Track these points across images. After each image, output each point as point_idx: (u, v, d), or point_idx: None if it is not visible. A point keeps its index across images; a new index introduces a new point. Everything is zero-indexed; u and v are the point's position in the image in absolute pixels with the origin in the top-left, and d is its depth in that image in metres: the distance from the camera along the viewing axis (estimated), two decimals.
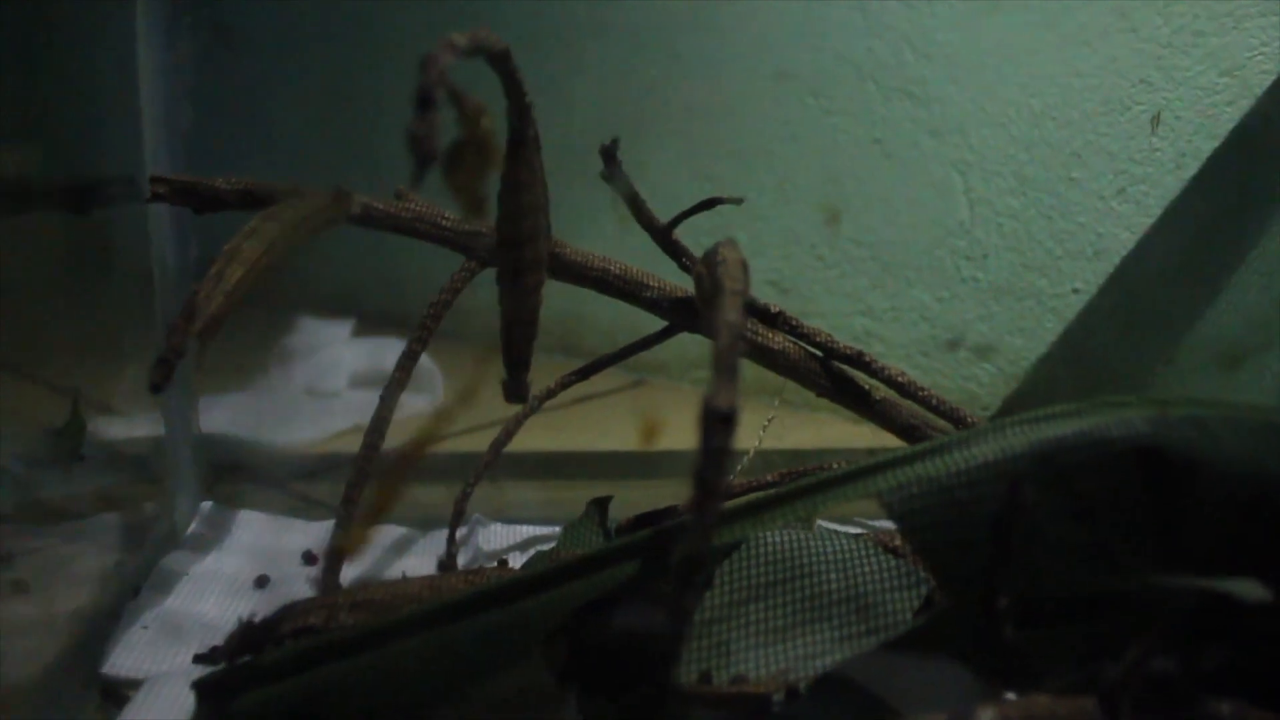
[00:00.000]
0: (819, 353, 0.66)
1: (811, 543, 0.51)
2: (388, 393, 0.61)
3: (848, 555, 0.50)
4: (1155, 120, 0.76)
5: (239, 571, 0.60)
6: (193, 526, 0.64)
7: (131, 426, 0.65)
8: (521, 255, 0.50)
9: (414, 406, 1.06)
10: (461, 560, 0.63)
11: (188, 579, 0.58)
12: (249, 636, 0.44)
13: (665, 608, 0.36)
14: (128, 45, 0.56)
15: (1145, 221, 0.81)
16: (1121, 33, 0.80)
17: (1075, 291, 0.85)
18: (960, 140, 0.89)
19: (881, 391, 0.67)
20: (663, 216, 0.63)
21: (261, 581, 0.58)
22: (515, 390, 0.53)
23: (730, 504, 0.41)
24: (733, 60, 1.04)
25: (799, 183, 1.01)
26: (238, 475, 0.76)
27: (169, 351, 0.41)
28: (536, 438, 0.93)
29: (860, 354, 0.65)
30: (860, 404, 0.67)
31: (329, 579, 0.58)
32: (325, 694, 0.41)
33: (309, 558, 0.62)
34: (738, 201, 0.57)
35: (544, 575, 0.39)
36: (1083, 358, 0.87)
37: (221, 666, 0.45)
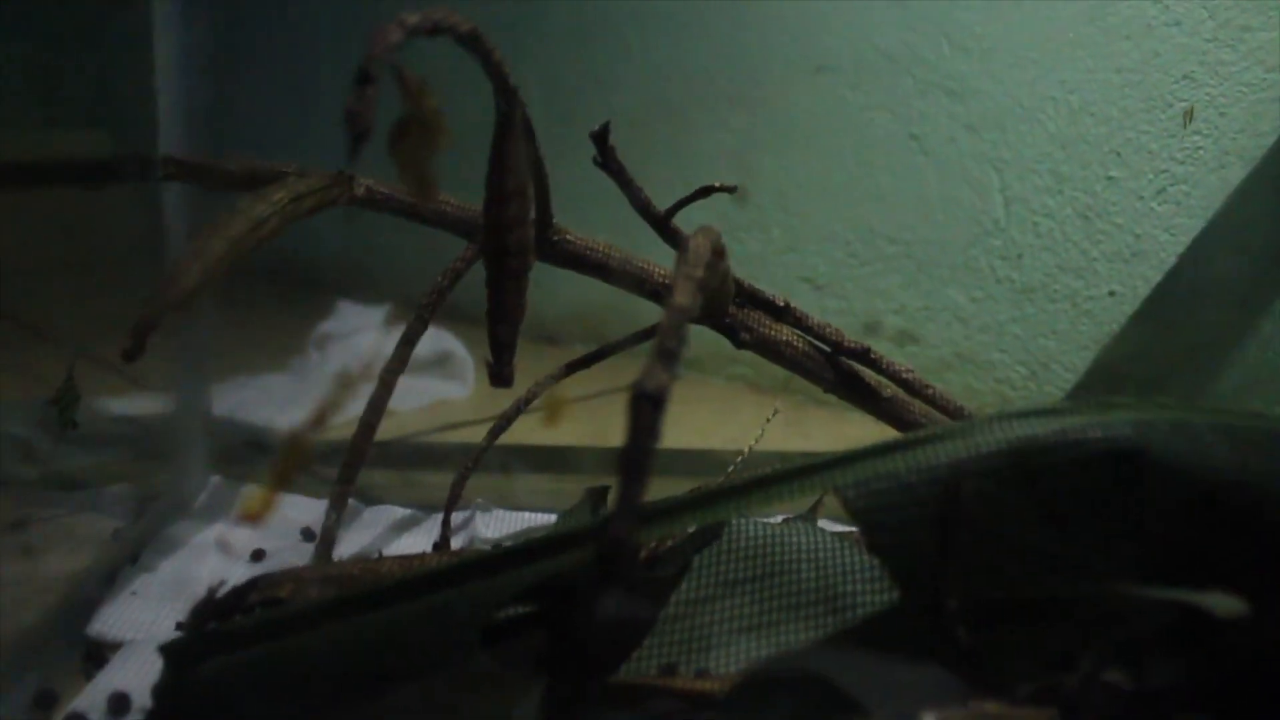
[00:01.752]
0: (826, 348, 0.65)
1: (789, 537, 0.50)
2: (387, 372, 0.61)
3: (824, 552, 0.49)
4: (1188, 115, 0.73)
5: (239, 544, 0.61)
6: (200, 499, 0.65)
7: (144, 403, 0.67)
8: (506, 239, 0.50)
9: (444, 394, 1.07)
10: (457, 544, 0.63)
11: (186, 549, 0.59)
12: (217, 604, 0.45)
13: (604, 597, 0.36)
14: (144, 23, 0.57)
15: (1185, 223, 0.78)
16: (1165, 27, 0.77)
17: (1112, 294, 0.83)
18: (997, 137, 0.87)
19: (890, 389, 0.66)
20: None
21: (258, 555, 0.59)
22: (500, 375, 0.53)
23: (685, 494, 0.40)
24: (773, 53, 1.03)
25: (835, 178, 1.00)
26: (256, 455, 0.78)
27: (142, 321, 0.42)
28: (558, 431, 0.94)
29: (867, 350, 0.64)
30: (868, 400, 0.66)
31: (320, 554, 0.58)
32: (286, 664, 0.41)
33: (307, 534, 0.63)
34: (731, 190, 0.56)
35: (491, 558, 0.39)
36: (1121, 370, 0.84)
37: (188, 632, 0.46)
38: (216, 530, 0.63)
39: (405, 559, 0.50)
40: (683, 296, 0.37)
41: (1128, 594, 0.38)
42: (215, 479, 0.67)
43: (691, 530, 0.52)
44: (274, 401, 0.93)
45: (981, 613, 0.38)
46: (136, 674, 0.46)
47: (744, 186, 1.08)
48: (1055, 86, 0.83)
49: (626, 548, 0.32)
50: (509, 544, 0.39)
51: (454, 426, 0.95)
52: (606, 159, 0.54)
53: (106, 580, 0.54)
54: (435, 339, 1.11)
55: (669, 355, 0.34)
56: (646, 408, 0.32)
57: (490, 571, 0.38)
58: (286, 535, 0.63)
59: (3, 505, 0.62)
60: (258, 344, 1.13)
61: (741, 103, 1.07)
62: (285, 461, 0.30)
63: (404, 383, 1.04)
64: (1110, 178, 0.82)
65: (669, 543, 0.52)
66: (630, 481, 0.32)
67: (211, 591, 0.45)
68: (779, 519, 0.57)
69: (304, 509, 0.67)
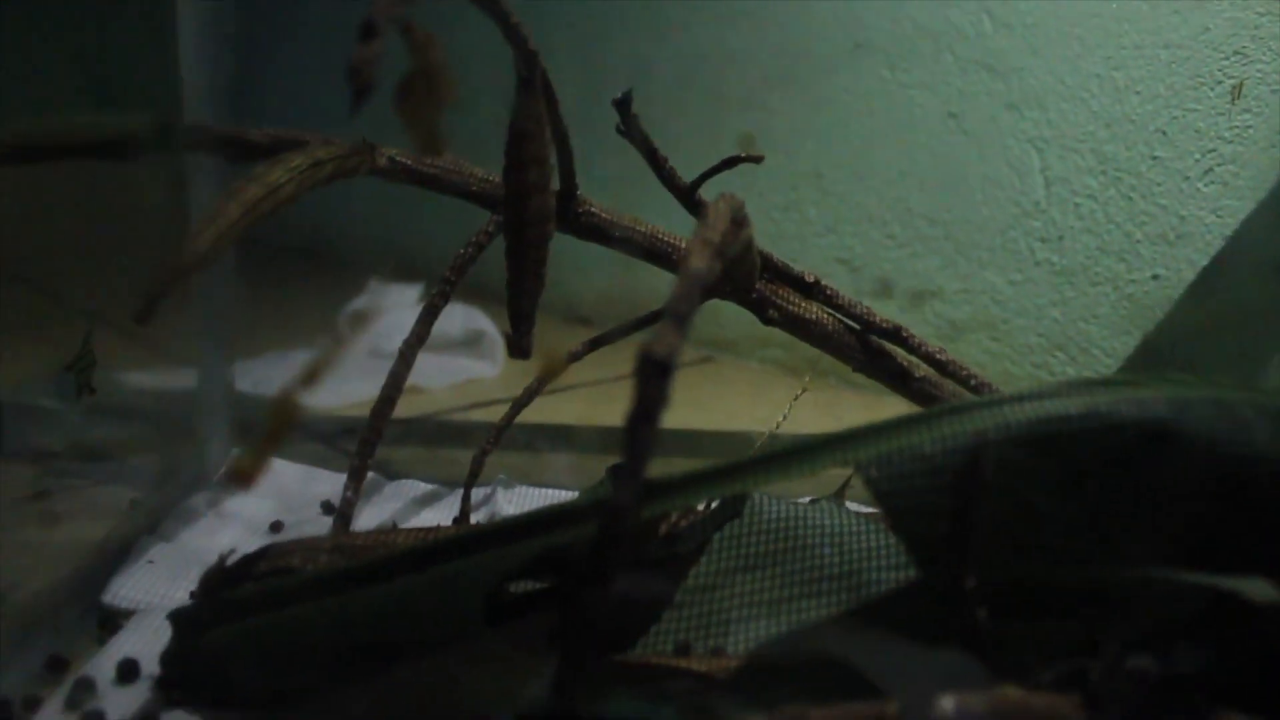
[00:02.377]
0: (856, 326, 0.63)
1: (811, 517, 0.49)
2: (406, 347, 0.60)
3: (848, 533, 0.47)
4: (1237, 90, 0.70)
5: (258, 515, 0.61)
6: (221, 472, 0.65)
7: (167, 376, 0.67)
8: (526, 207, 0.49)
9: (475, 373, 1.07)
10: (477, 520, 0.62)
11: (205, 519, 0.59)
12: (227, 572, 0.44)
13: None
14: None
15: (1233, 204, 0.76)
16: (1215, 0, 0.74)
17: (1155, 278, 0.80)
18: (1038, 115, 0.85)
19: (923, 369, 0.64)
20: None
21: (276, 526, 0.59)
22: (518, 346, 0.52)
23: (702, 468, 0.39)
24: (811, 31, 1.01)
25: (873, 158, 0.98)
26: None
27: (156, 285, 0.41)
28: (591, 410, 0.93)
29: (899, 329, 0.62)
30: (898, 381, 0.64)
31: (337, 527, 0.58)
32: (292, 633, 0.41)
33: (327, 507, 0.62)
34: (758, 159, 0.55)
35: (499, 530, 0.38)
36: (1164, 356, 0.82)
37: (198, 600, 0.45)
38: (237, 502, 0.62)
39: (418, 532, 0.49)
40: (698, 260, 0.35)
41: (1158, 578, 0.37)
42: (236, 451, 0.67)
43: (714, 507, 0.51)
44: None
45: (1005, 595, 0.37)
46: (148, 641, 0.45)
47: (779, 165, 1.07)
48: (1100, 63, 0.81)
49: (629, 520, 0.31)
50: (517, 516, 0.38)
51: (482, 405, 0.95)
52: (629, 127, 0.53)
53: (123, 549, 0.54)
54: (466, 317, 1.11)
55: (680, 319, 0.32)
56: (654, 373, 0.31)
57: (498, 543, 0.38)
58: (307, 508, 0.63)
59: (28, 474, 0.63)
60: (290, 321, 1.13)
61: (779, 82, 1.05)
62: (274, 423, 0.30)
63: (435, 360, 1.05)
64: (1155, 157, 0.79)
65: (689, 519, 0.51)
66: (635, 451, 0.31)
67: (222, 559, 0.44)
68: (806, 500, 0.56)
69: (325, 482, 0.66)
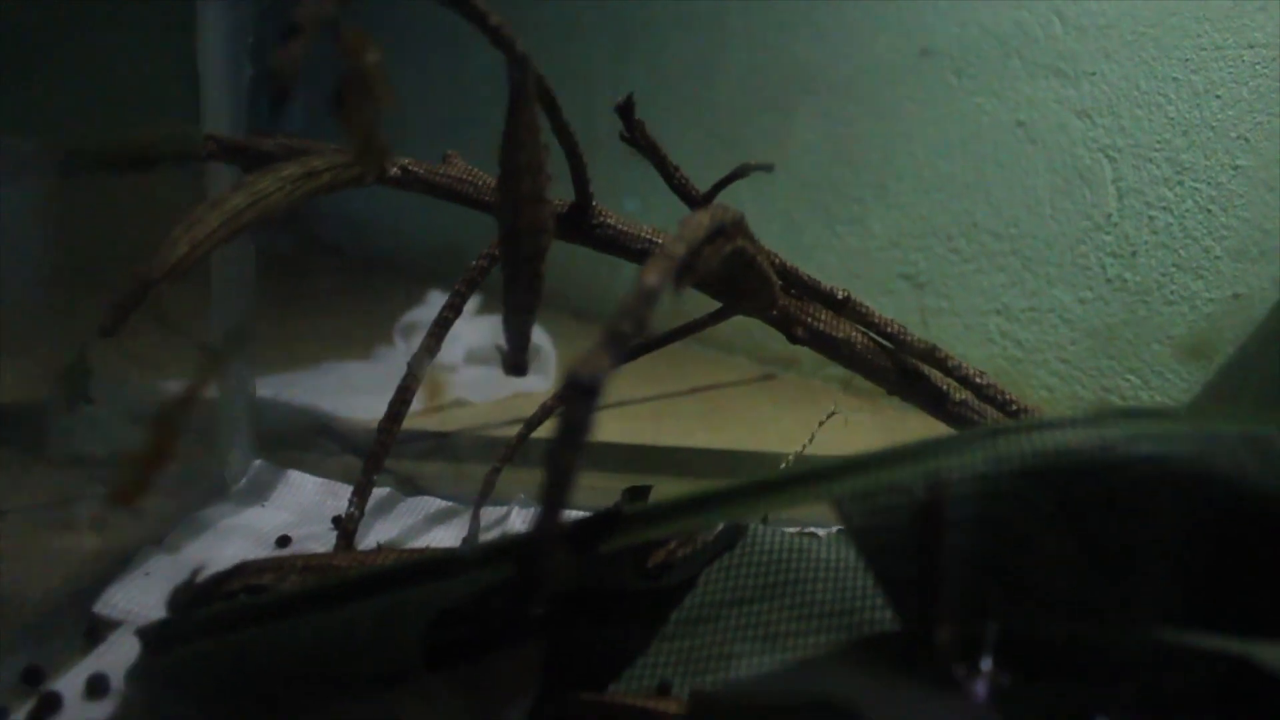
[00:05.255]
0: (889, 345, 0.60)
1: (809, 550, 0.45)
2: (415, 360, 0.59)
3: (845, 568, 0.44)
4: None
5: (268, 529, 0.60)
6: (241, 483, 0.65)
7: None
8: (519, 218, 0.47)
9: (523, 386, 1.06)
10: (489, 539, 0.60)
11: (213, 531, 0.58)
12: (197, 589, 0.43)
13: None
14: (188, 4, 0.57)
15: None
16: None
17: (1235, 297, 0.74)
18: (1111, 122, 0.79)
19: (962, 392, 0.60)
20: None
21: (283, 541, 0.58)
22: (514, 362, 0.50)
23: (678, 497, 0.36)
24: (875, 37, 0.97)
25: (939, 169, 0.94)
26: (315, 441, 0.78)
27: (125, 296, 0.41)
28: (623, 425, 0.90)
29: (934, 349, 0.58)
30: (934, 405, 0.60)
31: (339, 543, 0.57)
32: (243, 657, 0.39)
33: (338, 522, 0.61)
34: (768, 169, 0.52)
35: (447, 559, 0.36)
36: (1243, 382, 0.75)
37: (166, 617, 0.44)
38: (251, 514, 0.62)
39: (400, 554, 0.47)
40: (651, 275, 0.33)
41: (1171, 641, 0.32)
42: (258, 463, 0.67)
43: (710, 537, 0.48)
44: (352, 390, 0.93)
45: (998, 651, 0.33)
46: (125, 656, 0.45)
47: (843, 176, 1.03)
48: (1177, 66, 0.75)
49: (548, 560, 0.28)
50: (459, 549, 0.36)
51: (521, 421, 0.93)
52: (634, 134, 0.51)
53: (124, 559, 0.53)
54: None
55: (616, 339, 0.30)
56: (579, 397, 0.28)
57: (444, 573, 0.36)
58: (320, 522, 0.62)
59: (52, 480, 0.63)
60: (344, 332, 1.14)
61: (842, 90, 1.01)
62: (153, 444, 0.28)
63: (482, 373, 1.04)
64: (1237, 166, 0.73)
65: (688, 548, 0.48)
66: (555, 481, 0.28)
67: (193, 575, 0.43)
68: (834, 530, 0.53)
69: (344, 496, 0.65)
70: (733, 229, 0.41)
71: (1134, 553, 0.34)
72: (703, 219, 0.39)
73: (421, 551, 0.49)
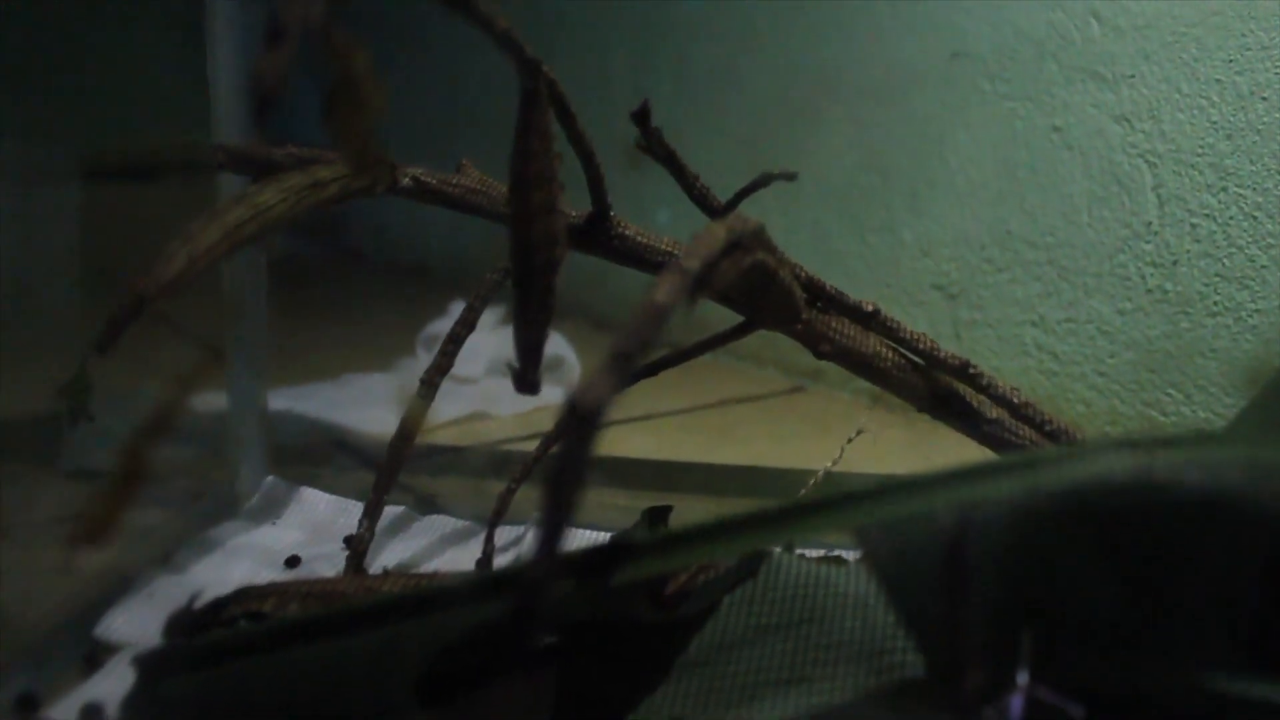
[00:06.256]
0: (920, 361, 0.57)
1: (835, 581, 0.43)
2: (428, 376, 0.57)
3: (872, 600, 0.42)
4: None
5: (277, 548, 0.58)
6: (252, 501, 0.64)
7: (200, 399, 0.66)
8: (531, 231, 0.45)
9: (547, 399, 1.04)
10: (503, 561, 0.59)
11: (222, 551, 0.57)
12: (195, 616, 0.42)
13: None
14: (197, 12, 0.56)
15: None
16: None
17: None
18: (1151, 127, 0.76)
19: (996, 410, 0.58)
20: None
21: (292, 561, 0.57)
22: (526, 379, 0.48)
23: (681, 528, 0.34)
24: (907, 39, 0.95)
25: (971, 176, 0.91)
26: (331, 456, 0.77)
27: (120, 311, 0.39)
28: (649, 442, 0.88)
29: (966, 364, 0.56)
30: (967, 424, 0.58)
31: (349, 564, 0.55)
32: (248, 685, 0.38)
33: (349, 542, 0.60)
34: (791, 177, 0.49)
35: (444, 591, 0.34)
36: None
37: (163, 644, 0.43)
38: (262, 533, 0.61)
39: (409, 578, 0.46)
40: (663, 293, 0.31)
41: (1221, 689, 0.30)
42: (270, 480, 0.65)
43: (730, 564, 0.46)
44: (371, 402, 0.92)
45: (1030, 699, 0.31)
46: (123, 683, 0.43)
47: (873, 184, 1.00)
48: (1221, 67, 0.72)
49: (544, 593, 0.26)
50: (456, 579, 0.34)
51: (543, 435, 0.91)
52: (651, 142, 0.49)
53: (128, 579, 0.52)
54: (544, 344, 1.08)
55: (621, 361, 0.28)
56: (579, 425, 0.26)
57: (442, 605, 0.34)
58: (330, 541, 0.60)
59: (66, 494, 0.62)
60: (365, 341, 1.13)
61: (872, 94, 0.99)
62: (122, 476, 0.26)
63: (502, 386, 1.02)
64: None
65: (703, 577, 0.46)
66: (552, 514, 0.26)
67: (190, 601, 0.42)
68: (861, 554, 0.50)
69: (355, 514, 0.64)
70: (751, 241, 0.39)
71: (1181, 592, 0.32)
72: (718, 231, 0.37)
73: (428, 577, 0.47)
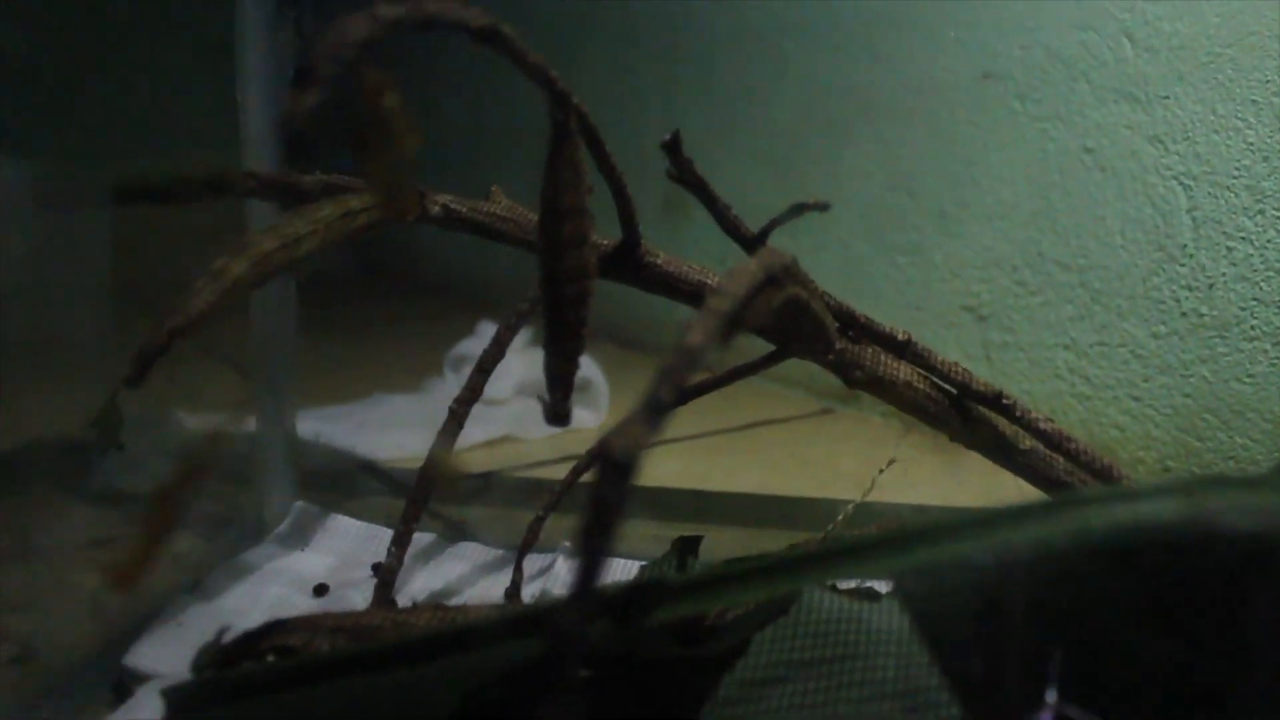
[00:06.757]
0: (953, 390, 0.57)
1: (870, 618, 0.42)
2: (457, 404, 0.57)
3: (906, 639, 0.41)
4: None
5: (307, 575, 0.58)
6: (281, 526, 0.64)
7: (227, 424, 0.66)
8: (560, 263, 0.45)
9: (575, 422, 1.03)
10: (532, 589, 0.58)
11: (250, 578, 0.57)
12: (224, 649, 0.42)
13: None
14: (227, 37, 0.56)
15: None
16: None
17: None
18: (1185, 148, 0.75)
19: (1029, 441, 0.57)
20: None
21: (321, 590, 0.57)
22: (555, 411, 0.48)
23: (712, 570, 0.34)
24: (936, 60, 0.94)
25: (1003, 197, 0.90)
26: (357, 481, 0.76)
27: (149, 347, 0.39)
28: (684, 468, 0.88)
29: (1000, 394, 0.55)
30: (1001, 453, 0.57)
31: (378, 594, 0.55)
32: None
33: (377, 569, 0.60)
34: (824, 208, 0.49)
35: (479, 629, 0.34)
36: None
37: (192, 678, 0.43)
38: (291, 559, 0.61)
39: (438, 611, 0.45)
40: (696, 335, 0.30)
41: None
42: (299, 505, 0.65)
43: (765, 600, 0.45)
44: (399, 425, 0.92)
45: None
46: (151, 714, 0.43)
47: (903, 205, 1.00)
48: (1256, 88, 0.71)
49: (577, 641, 0.26)
50: (499, 612, 0.34)
51: (577, 457, 0.91)
52: (682, 172, 0.49)
53: (158, 606, 0.52)
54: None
55: (655, 409, 0.28)
56: (613, 475, 0.26)
57: (471, 644, 0.33)
58: (358, 568, 0.60)
59: (95, 519, 0.63)
60: (393, 361, 1.13)
61: (901, 114, 0.98)
62: (154, 522, 0.26)
63: (533, 408, 1.02)
64: None
65: (733, 614, 0.45)
66: (586, 565, 0.26)
67: (219, 635, 0.42)
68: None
69: (384, 541, 0.64)
70: (784, 276, 0.39)
71: (1229, 641, 0.31)
72: (752, 269, 0.36)
73: (458, 611, 0.46)
